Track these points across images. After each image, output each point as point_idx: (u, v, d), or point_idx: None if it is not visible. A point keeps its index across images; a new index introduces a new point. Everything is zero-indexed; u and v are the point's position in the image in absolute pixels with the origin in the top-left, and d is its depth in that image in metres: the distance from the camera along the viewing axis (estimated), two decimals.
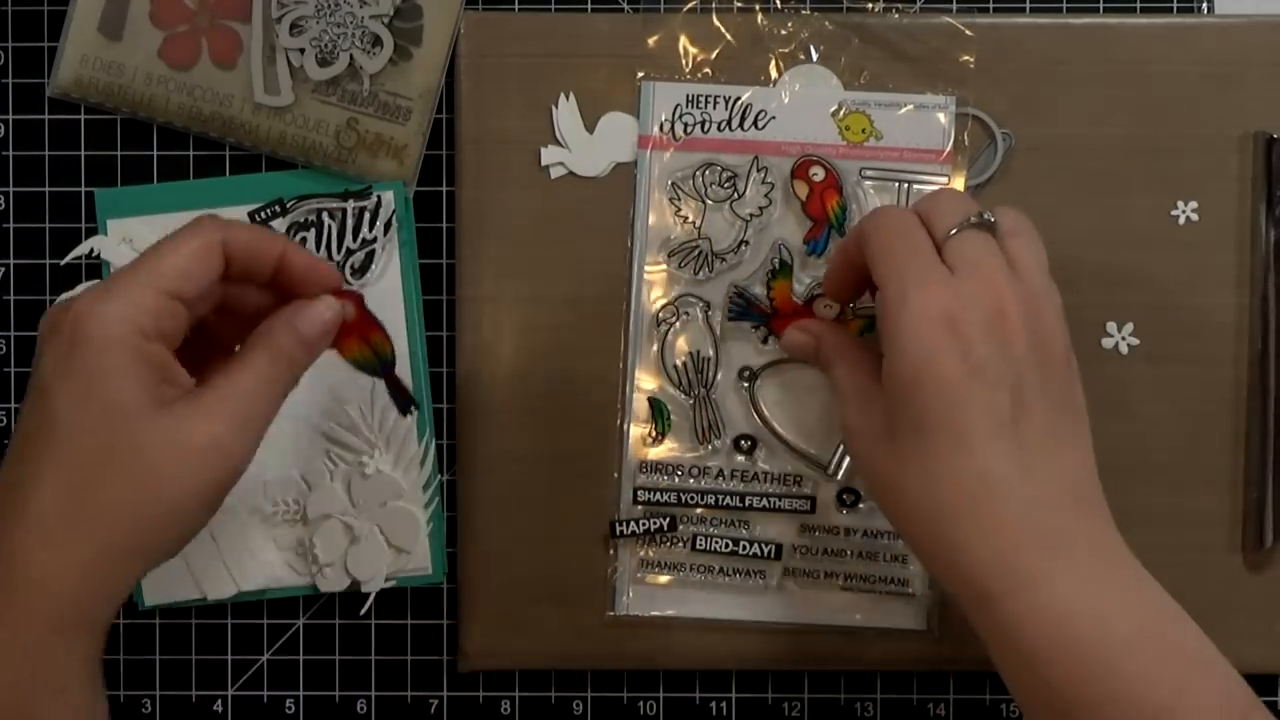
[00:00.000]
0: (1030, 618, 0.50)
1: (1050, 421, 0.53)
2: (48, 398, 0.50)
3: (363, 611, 0.66)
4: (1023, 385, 0.52)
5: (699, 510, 0.65)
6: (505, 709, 0.68)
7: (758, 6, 0.65)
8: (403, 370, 0.65)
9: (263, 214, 0.65)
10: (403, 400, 0.63)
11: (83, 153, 0.67)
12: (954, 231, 0.54)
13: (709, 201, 0.65)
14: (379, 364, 0.61)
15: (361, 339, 0.60)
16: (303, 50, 0.65)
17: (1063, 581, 0.50)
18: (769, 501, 0.64)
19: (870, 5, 0.66)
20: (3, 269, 0.67)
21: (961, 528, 0.51)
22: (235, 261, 0.53)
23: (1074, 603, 0.50)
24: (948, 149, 0.64)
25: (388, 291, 0.66)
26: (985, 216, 0.55)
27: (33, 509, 0.49)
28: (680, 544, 0.65)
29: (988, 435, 0.51)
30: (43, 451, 0.49)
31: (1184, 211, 0.65)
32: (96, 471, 0.49)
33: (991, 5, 0.67)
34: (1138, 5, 0.67)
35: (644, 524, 0.65)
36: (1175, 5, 0.67)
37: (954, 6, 0.66)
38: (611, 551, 0.65)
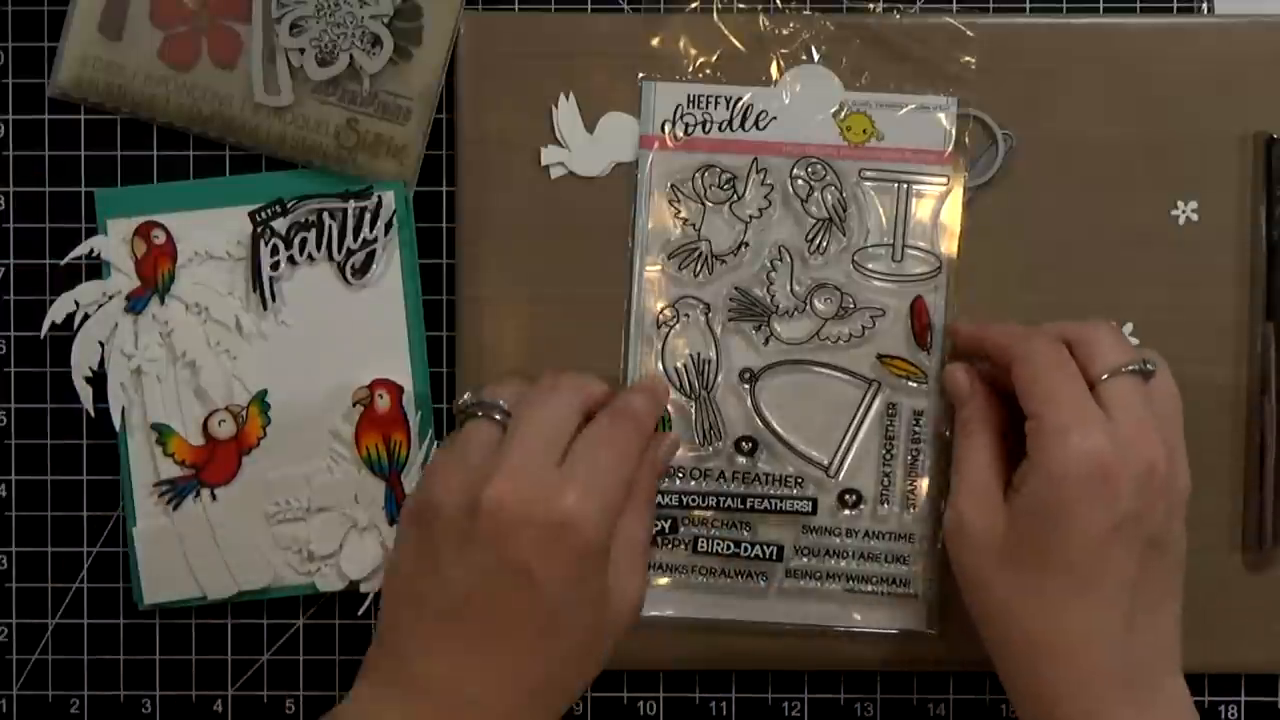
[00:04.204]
0: None
1: (1162, 578, 0.54)
2: (539, 589, 0.53)
3: (360, 611, 0.66)
4: (1152, 543, 0.54)
5: (700, 512, 0.65)
6: None
7: (759, 7, 0.65)
8: (403, 371, 0.65)
9: (263, 214, 0.65)
10: (397, 508, 0.64)
11: (83, 153, 0.67)
12: (1107, 376, 0.55)
13: (708, 204, 0.65)
14: (388, 466, 0.63)
15: (383, 435, 0.61)
16: (303, 50, 0.64)
17: None
18: (770, 503, 0.64)
19: (871, 6, 0.66)
20: (3, 269, 0.67)
21: (1057, 670, 0.53)
22: None
23: None
24: (949, 150, 0.64)
25: (388, 291, 0.66)
26: (1146, 365, 0.56)
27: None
28: (681, 546, 0.65)
29: (1113, 591, 0.53)
30: (547, 643, 0.54)
31: (1184, 211, 0.65)
32: (580, 657, 0.56)
33: (991, 5, 0.67)
34: (1138, 5, 0.67)
35: None
36: (1175, 5, 0.67)
37: (954, 6, 0.66)
38: None
